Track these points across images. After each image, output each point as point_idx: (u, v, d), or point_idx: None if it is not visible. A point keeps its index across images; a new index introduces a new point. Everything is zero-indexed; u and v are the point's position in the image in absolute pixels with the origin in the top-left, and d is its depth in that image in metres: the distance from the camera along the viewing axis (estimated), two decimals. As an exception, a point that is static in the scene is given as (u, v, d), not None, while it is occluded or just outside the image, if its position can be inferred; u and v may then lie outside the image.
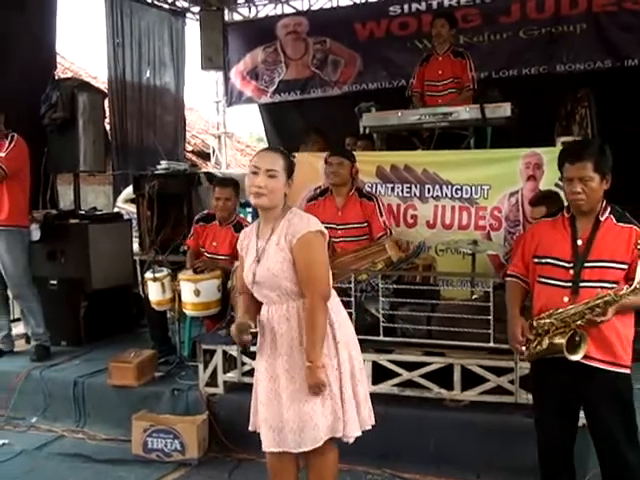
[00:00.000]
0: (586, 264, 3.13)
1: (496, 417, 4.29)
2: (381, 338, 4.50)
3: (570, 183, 3.15)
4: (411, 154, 6.43)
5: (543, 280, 3.25)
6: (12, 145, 5.80)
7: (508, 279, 3.47)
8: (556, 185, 5.55)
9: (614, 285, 3.10)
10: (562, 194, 5.26)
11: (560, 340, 3.10)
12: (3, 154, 5.72)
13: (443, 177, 6.01)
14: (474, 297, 4.87)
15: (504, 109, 6.11)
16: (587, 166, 3.11)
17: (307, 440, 3.10)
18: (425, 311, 4.51)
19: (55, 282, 6.37)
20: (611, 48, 8.90)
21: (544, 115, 7.73)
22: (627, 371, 3.18)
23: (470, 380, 4.38)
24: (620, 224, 3.18)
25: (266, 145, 13.59)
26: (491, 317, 4.23)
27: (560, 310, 3.12)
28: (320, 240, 3.14)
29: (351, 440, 3.20)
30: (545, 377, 3.30)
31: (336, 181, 5.44)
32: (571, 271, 3.15)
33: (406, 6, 9.96)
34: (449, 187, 5.99)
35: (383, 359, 4.51)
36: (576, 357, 3.09)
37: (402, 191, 6.14)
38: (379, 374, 4.51)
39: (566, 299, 3.13)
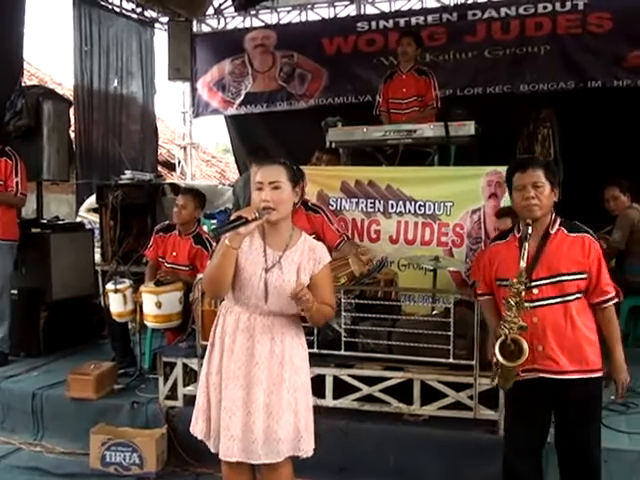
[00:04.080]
0: (543, 281, 3.15)
1: (455, 432, 4.32)
2: (342, 353, 4.52)
3: (523, 189, 3.17)
4: (375, 170, 6.49)
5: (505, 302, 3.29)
6: (19, 165, 5.90)
7: (480, 299, 3.54)
8: (517, 203, 5.66)
9: (577, 296, 3.16)
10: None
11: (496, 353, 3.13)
12: (19, 179, 5.83)
13: (406, 193, 6.06)
14: (435, 313, 4.92)
15: (468, 127, 6.17)
16: (538, 173, 3.17)
17: (270, 453, 3.10)
18: (386, 326, 4.53)
19: (15, 292, 6.27)
20: (574, 69, 9.09)
21: (507, 134, 7.85)
22: (599, 374, 3.23)
23: (430, 395, 4.41)
24: (572, 234, 3.21)
25: (232, 156, 13.63)
26: (451, 333, 4.26)
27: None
28: None
29: (309, 454, 3.22)
30: (520, 394, 3.30)
31: None
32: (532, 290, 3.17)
33: (373, 23, 10.12)
34: (412, 203, 6.04)
35: (344, 374, 4.53)
36: (516, 363, 3.09)
37: (366, 206, 6.18)
38: (340, 389, 4.53)
39: (535, 319, 3.16)
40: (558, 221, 3.26)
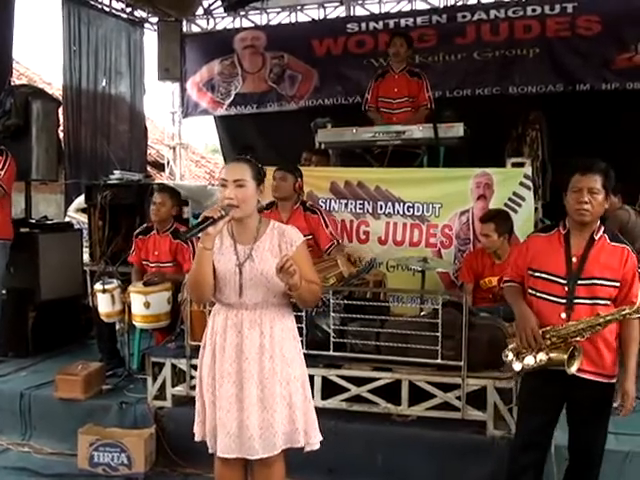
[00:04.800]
0: (579, 281, 3.23)
1: (443, 433, 4.34)
2: (331, 353, 4.52)
3: (578, 192, 3.23)
4: (364, 171, 6.51)
5: (538, 294, 3.36)
6: (8, 162, 5.84)
7: (505, 285, 3.59)
8: (505, 205, 5.70)
9: (606, 302, 3.23)
10: (512, 214, 5.48)
11: (561, 356, 3.21)
12: (2, 172, 5.75)
13: (395, 194, 6.09)
14: (423, 314, 4.93)
15: (457, 129, 6.21)
16: (597, 179, 3.22)
17: (266, 447, 3.12)
18: (374, 327, 4.54)
19: (4, 292, 6.24)
20: (563, 72, 9.10)
21: (495, 136, 7.86)
22: (613, 381, 3.33)
23: (418, 396, 4.42)
24: (613, 243, 3.29)
25: (221, 157, 13.60)
26: (439, 334, 4.28)
27: (559, 328, 3.23)
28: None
29: (315, 447, 3.24)
30: (535, 386, 3.41)
31: (278, 195, 5.46)
32: (566, 287, 3.26)
33: (363, 24, 10.11)
34: (401, 204, 6.08)
35: (332, 374, 4.53)
36: (573, 369, 3.20)
37: (355, 207, 6.21)
38: (328, 389, 4.53)
39: (563, 315, 3.25)
40: (602, 229, 3.34)
